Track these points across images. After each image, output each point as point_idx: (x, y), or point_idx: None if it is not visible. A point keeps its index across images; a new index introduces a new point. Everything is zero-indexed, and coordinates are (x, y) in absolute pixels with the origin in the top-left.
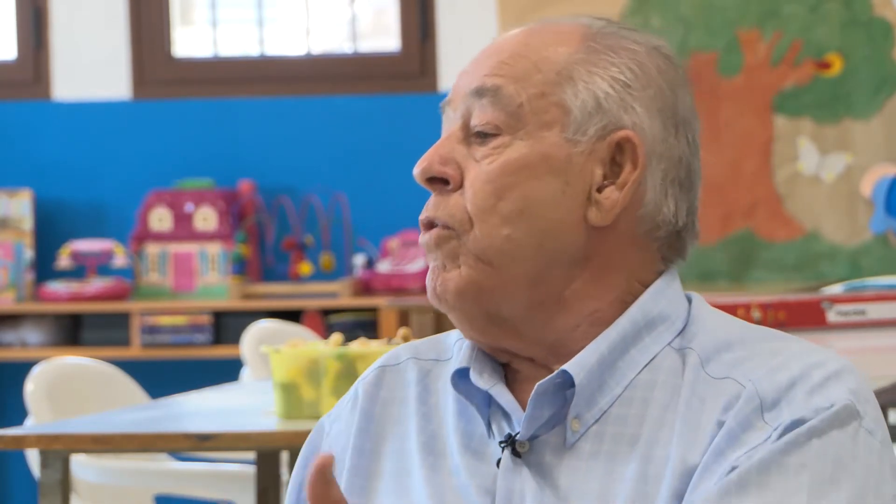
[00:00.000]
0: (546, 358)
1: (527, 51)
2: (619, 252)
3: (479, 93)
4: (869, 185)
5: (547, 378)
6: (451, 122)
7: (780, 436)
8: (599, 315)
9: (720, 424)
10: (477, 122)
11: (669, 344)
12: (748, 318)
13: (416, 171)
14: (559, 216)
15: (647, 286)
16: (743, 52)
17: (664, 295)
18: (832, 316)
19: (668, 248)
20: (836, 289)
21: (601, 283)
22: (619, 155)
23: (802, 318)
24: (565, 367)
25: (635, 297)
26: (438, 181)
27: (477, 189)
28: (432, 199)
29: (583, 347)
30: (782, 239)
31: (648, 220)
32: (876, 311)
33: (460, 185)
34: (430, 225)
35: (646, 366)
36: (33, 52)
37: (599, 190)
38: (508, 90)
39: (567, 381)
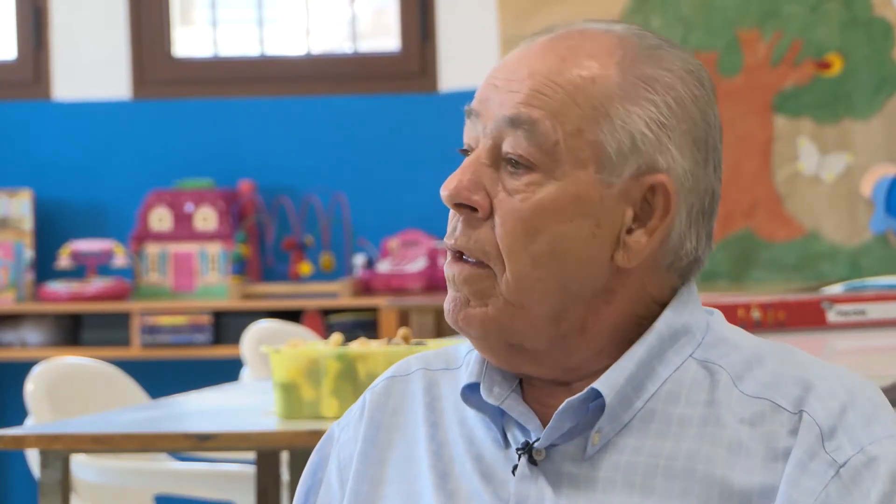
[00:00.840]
0: (566, 376)
1: (563, 79)
2: (640, 283)
3: (515, 123)
4: (869, 185)
5: (576, 396)
6: (477, 137)
7: (845, 467)
8: (620, 335)
9: (773, 450)
10: (510, 150)
11: (691, 356)
12: (748, 318)
13: (444, 194)
14: (587, 257)
15: (663, 305)
16: (743, 52)
17: (686, 307)
18: (832, 316)
19: (686, 270)
20: (836, 289)
21: (622, 309)
22: (650, 196)
23: (802, 318)
24: (596, 386)
25: (652, 314)
26: (466, 207)
27: (509, 227)
28: (460, 227)
29: (604, 365)
30: (782, 239)
31: (672, 253)
32: (876, 311)
33: (489, 214)
34: (459, 255)
35: (667, 378)
36: (33, 52)
37: (629, 231)
38: (545, 126)
39: (592, 396)
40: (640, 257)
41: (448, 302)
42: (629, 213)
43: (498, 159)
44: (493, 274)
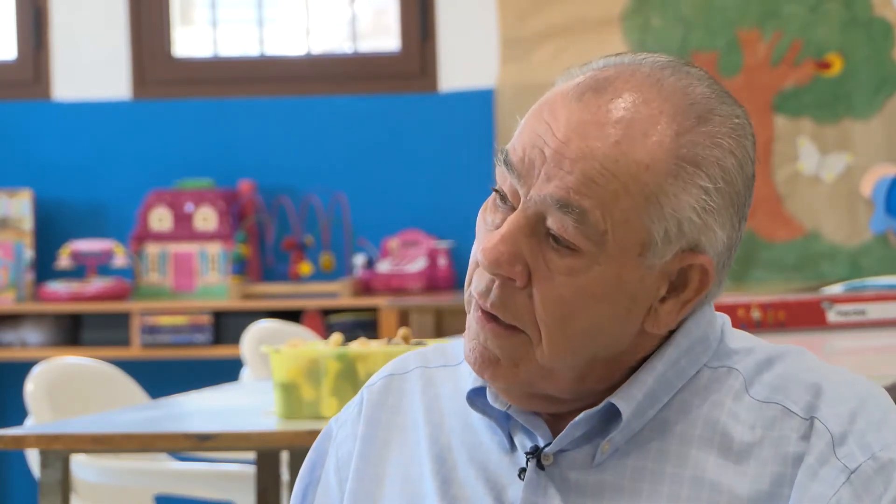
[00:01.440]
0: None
1: (617, 168)
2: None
3: (564, 208)
4: (869, 185)
5: (593, 410)
6: (515, 192)
7: (856, 473)
8: (627, 363)
9: (782, 455)
10: (555, 230)
11: (706, 364)
12: (748, 318)
13: (483, 262)
14: (620, 332)
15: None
16: (743, 52)
17: (704, 317)
18: (832, 316)
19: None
20: (836, 289)
21: (637, 351)
22: (687, 269)
23: (802, 318)
24: (614, 401)
25: (665, 336)
26: (504, 276)
27: (549, 307)
28: (496, 292)
29: (618, 375)
30: (782, 239)
31: (698, 305)
32: (876, 311)
33: (527, 283)
34: (491, 319)
35: (681, 388)
36: (33, 52)
37: (662, 300)
38: (595, 216)
39: (608, 407)
40: (669, 326)
41: (473, 352)
42: (664, 288)
43: (539, 230)
44: (527, 340)
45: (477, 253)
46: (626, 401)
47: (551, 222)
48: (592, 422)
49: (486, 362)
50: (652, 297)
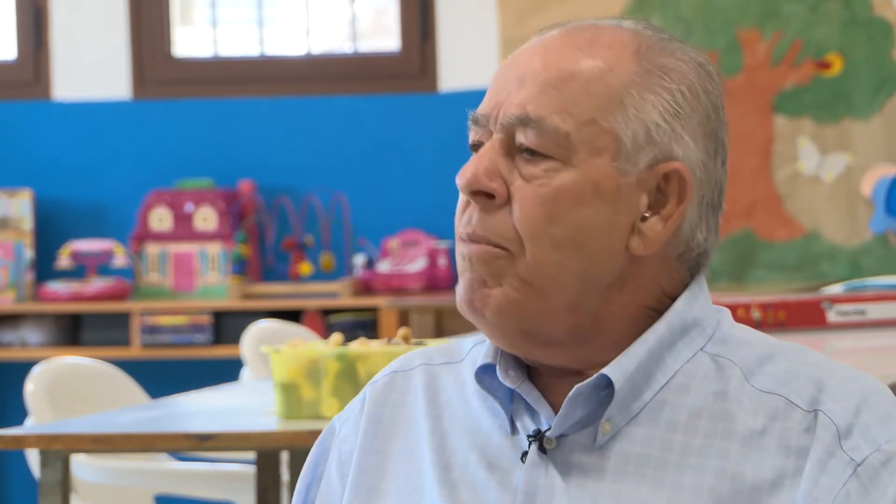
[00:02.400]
0: (577, 366)
1: (579, 68)
2: (652, 273)
3: (523, 122)
4: (869, 185)
5: (585, 382)
6: (489, 132)
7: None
8: (632, 327)
9: (785, 447)
10: (524, 141)
11: (702, 349)
12: (748, 318)
13: (461, 182)
14: (605, 245)
15: (674, 298)
16: (743, 52)
17: (697, 300)
18: (832, 316)
19: (695, 264)
20: (836, 289)
21: (634, 300)
22: (665, 184)
23: (802, 318)
24: (606, 372)
25: (663, 306)
26: (483, 195)
27: (528, 212)
28: (477, 216)
29: (615, 356)
30: (782, 239)
31: (682, 244)
32: (876, 311)
33: (506, 201)
34: (475, 241)
35: (678, 370)
36: (33, 52)
37: (643, 219)
38: (554, 121)
39: (602, 383)
40: (656, 245)
41: (462, 287)
42: (644, 201)
43: (512, 149)
44: (510, 255)
45: (457, 182)
46: (617, 371)
47: (519, 137)
48: (591, 401)
49: (473, 287)
50: (633, 213)
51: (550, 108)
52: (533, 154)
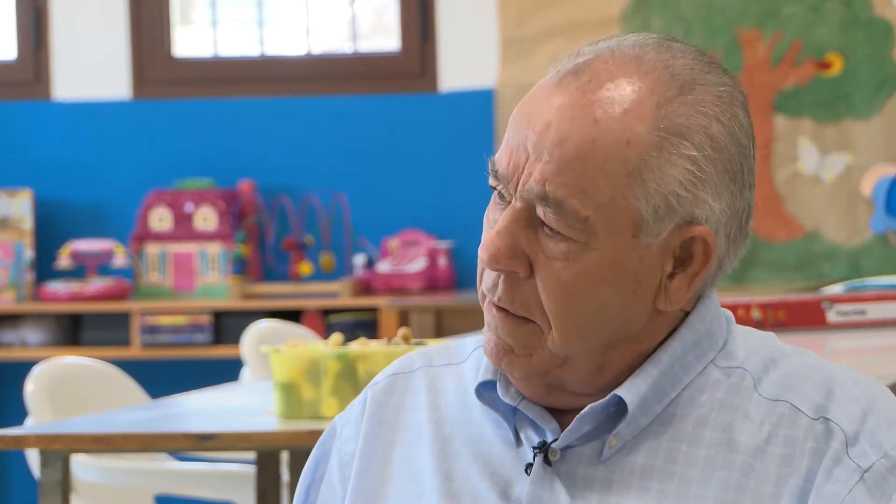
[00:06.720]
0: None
1: (594, 147)
2: (675, 312)
3: (543, 200)
4: (869, 185)
5: (599, 402)
6: (507, 190)
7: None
8: (647, 347)
9: (790, 455)
10: (544, 218)
11: (712, 361)
12: (748, 318)
13: (484, 257)
14: (630, 312)
15: (688, 312)
16: (743, 52)
17: (709, 312)
18: (832, 316)
19: (715, 279)
20: (836, 289)
21: (655, 333)
22: (689, 243)
23: (802, 318)
24: (620, 393)
25: (678, 322)
26: (507, 270)
27: (552, 293)
28: (502, 287)
29: (629, 372)
30: (782, 239)
31: (709, 278)
32: (876, 311)
33: (530, 274)
34: (501, 310)
35: (688, 384)
36: (33, 52)
37: (670, 276)
38: (572, 205)
39: (615, 400)
40: (682, 302)
41: (489, 344)
42: (669, 264)
43: (533, 220)
44: (538, 329)
45: (480, 255)
46: (631, 392)
47: (540, 213)
48: (600, 416)
49: (500, 352)
50: (658, 275)
51: (568, 189)
52: (553, 231)
